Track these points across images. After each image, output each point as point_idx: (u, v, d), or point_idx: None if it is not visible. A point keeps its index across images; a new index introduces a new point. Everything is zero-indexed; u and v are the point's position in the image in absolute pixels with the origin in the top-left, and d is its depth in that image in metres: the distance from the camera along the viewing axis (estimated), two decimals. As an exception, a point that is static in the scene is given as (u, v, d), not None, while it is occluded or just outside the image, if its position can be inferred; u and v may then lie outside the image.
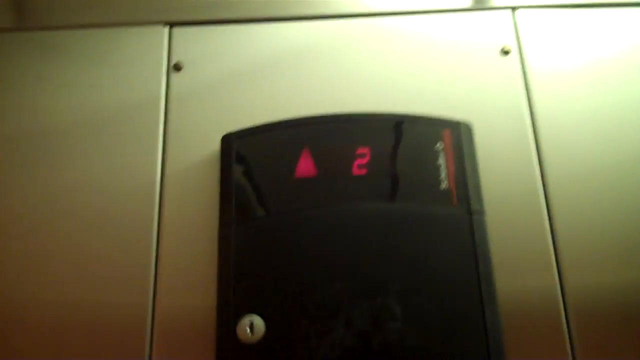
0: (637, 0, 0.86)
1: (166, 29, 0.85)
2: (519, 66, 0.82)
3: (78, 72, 0.83)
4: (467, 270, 0.68)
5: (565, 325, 0.69)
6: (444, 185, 0.72)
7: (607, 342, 0.69)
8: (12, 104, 0.81)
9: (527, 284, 0.71)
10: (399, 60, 0.83)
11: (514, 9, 0.86)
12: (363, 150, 0.74)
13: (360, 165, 0.73)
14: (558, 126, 0.78)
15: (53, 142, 0.79)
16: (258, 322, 0.66)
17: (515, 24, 0.85)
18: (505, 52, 0.83)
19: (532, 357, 0.68)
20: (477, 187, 0.73)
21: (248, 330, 0.66)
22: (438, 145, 0.74)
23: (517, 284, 0.71)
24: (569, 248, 0.73)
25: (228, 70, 0.83)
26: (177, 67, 0.82)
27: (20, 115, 0.81)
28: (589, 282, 0.71)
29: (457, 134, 0.75)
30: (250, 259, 0.69)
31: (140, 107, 0.80)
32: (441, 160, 0.73)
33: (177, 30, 0.85)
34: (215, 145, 0.77)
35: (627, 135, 0.78)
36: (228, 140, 0.76)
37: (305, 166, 0.73)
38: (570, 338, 0.69)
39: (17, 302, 0.72)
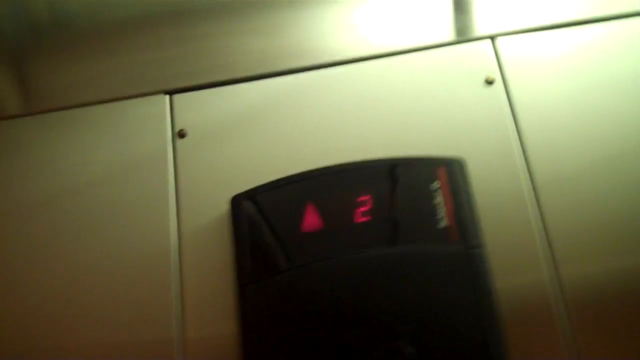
0: (616, 13, 0.87)
1: (167, 98, 0.88)
2: (504, 94, 0.84)
3: (86, 148, 0.86)
4: (471, 304, 0.70)
5: (565, 319, 0.72)
6: (443, 223, 0.74)
7: (608, 331, 0.71)
8: (27, 184, 0.85)
9: (523, 280, 0.74)
10: (385, 103, 0.85)
11: (493, 38, 0.87)
12: (364, 197, 0.76)
13: (363, 212, 0.76)
14: (545, 143, 0.80)
15: (69, 216, 0.83)
16: (281, 376, 0.69)
17: (496, 52, 0.87)
18: (490, 82, 0.84)
19: (534, 355, 0.71)
20: (475, 222, 0.75)
21: (269, 386, 0.69)
22: (434, 184, 0.76)
23: (513, 282, 0.73)
24: (562, 243, 0.75)
25: (230, 131, 0.85)
26: (182, 135, 0.85)
27: (34, 194, 0.84)
28: (585, 272, 0.73)
29: (451, 171, 0.77)
30: (268, 316, 0.72)
31: (150, 176, 0.84)
32: (438, 199, 0.75)
33: (177, 98, 0.88)
34: (223, 207, 0.80)
35: (613, 147, 0.79)
36: (237, 202, 0.79)
37: (310, 220, 0.76)
38: (572, 331, 0.71)
39: (55, 348, 0.76)
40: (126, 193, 0.83)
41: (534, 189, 0.78)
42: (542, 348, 0.71)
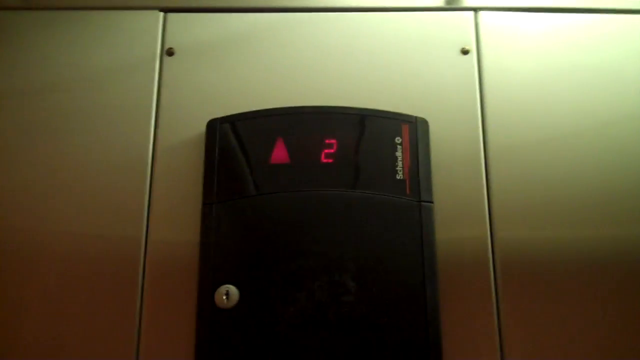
0: (595, 6, 0.91)
1: (161, 15, 0.89)
2: (475, 66, 0.88)
3: (78, 49, 0.88)
4: (413, 252, 0.76)
5: (492, 274, 0.78)
6: (399, 175, 0.79)
7: (529, 291, 0.78)
8: (18, 75, 0.87)
9: (462, 234, 0.80)
10: (363, 55, 0.88)
11: (476, 10, 0.91)
12: (331, 140, 0.81)
13: (327, 154, 0.80)
14: (506, 121, 0.85)
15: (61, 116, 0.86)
16: (233, 290, 0.74)
17: (476, 25, 0.90)
18: (465, 52, 0.88)
19: (462, 301, 0.77)
20: (428, 179, 0.80)
21: (224, 297, 0.74)
22: (397, 139, 0.81)
23: (453, 235, 0.80)
24: (502, 205, 0.81)
25: (217, 57, 0.88)
26: (170, 53, 0.87)
27: (26, 84, 0.86)
28: (518, 236, 0.80)
29: (414, 130, 0.82)
30: (229, 235, 0.77)
31: (135, 87, 0.86)
32: (399, 153, 0.80)
33: (171, 16, 0.89)
34: (201, 128, 0.83)
35: (565, 129, 0.85)
36: (213, 125, 0.82)
37: (279, 153, 0.80)
38: (495, 285, 0.78)
39: (31, 231, 0.81)
40: (111, 98, 0.86)
41: (487, 155, 0.83)
42: (470, 298, 0.78)
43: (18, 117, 0.85)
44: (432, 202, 0.79)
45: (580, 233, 0.80)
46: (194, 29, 0.89)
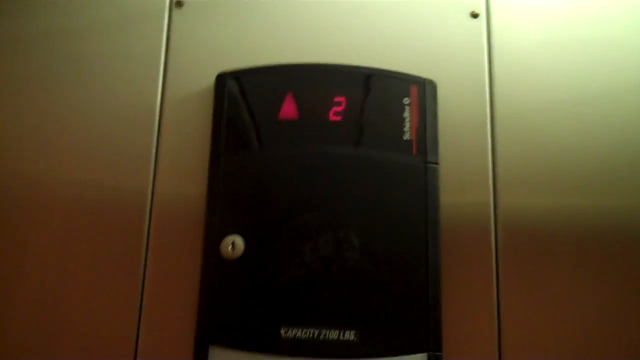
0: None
1: (170, -36, 0.88)
2: (485, 30, 0.87)
3: (85, 1, 0.87)
4: (417, 212, 0.77)
5: (493, 239, 0.78)
6: (406, 136, 0.79)
7: (529, 257, 0.78)
8: (26, 20, 0.85)
9: (466, 198, 0.80)
10: (375, 14, 0.87)
11: (487, -27, 0.90)
12: (340, 98, 0.80)
13: (336, 112, 0.80)
14: (513, 86, 0.84)
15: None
16: (239, 241, 0.74)
17: (487, -12, 0.89)
18: (474, 16, 0.87)
19: (462, 264, 0.77)
20: (435, 140, 0.80)
21: (230, 248, 0.74)
22: (405, 99, 0.81)
23: (456, 198, 0.79)
24: (507, 170, 0.81)
25: (226, 10, 0.86)
26: (179, 4, 0.86)
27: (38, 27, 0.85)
28: (521, 202, 0.80)
29: (422, 91, 0.81)
30: (236, 187, 0.77)
31: (144, 36, 0.85)
32: (406, 114, 0.80)
33: (180, -34, 0.88)
34: (210, 81, 0.82)
35: (573, 98, 0.84)
36: (222, 79, 0.81)
37: (288, 109, 0.79)
38: (496, 250, 0.78)
39: (36, 177, 0.80)
40: (119, 47, 0.84)
41: (493, 119, 0.83)
42: (470, 261, 0.78)
43: (25, 63, 0.84)
44: (437, 164, 0.79)
45: (584, 202, 0.80)
46: (205, -20, 0.88)
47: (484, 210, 0.80)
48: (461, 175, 0.81)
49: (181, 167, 0.80)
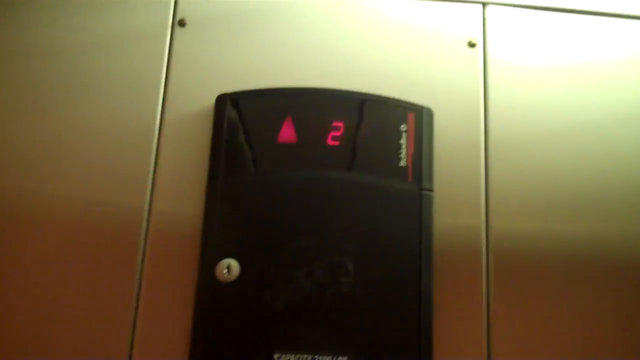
0: (602, 10, 0.91)
1: (174, -17, 0.88)
2: (481, 59, 0.88)
3: (90, 12, 0.86)
4: (411, 238, 0.77)
5: (484, 263, 0.79)
6: (402, 162, 0.79)
7: (520, 281, 0.79)
8: (31, 36, 0.85)
9: (458, 222, 0.80)
10: (374, 41, 0.87)
11: (484, 4, 0.90)
12: (338, 123, 0.80)
13: (334, 137, 0.80)
14: (508, 114, 0.85)
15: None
16: (234, 264, 0.74)
17: (484, 18, 0.90)
18: (472, 45, 0.88)
19: (453, 286, 0.77)
20: (430, 167, 0.80)
21: (225, 271, 0.74)
22: (402, 126, 0.81)
23: (449, 222, 0.80)
24: (500, 196, 0.82)
25: (228, 31, 0.86)
26: (182, 23, 0.86)
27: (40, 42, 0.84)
28: (513, 227, 0.80)
29: (420, 118, 0.82)
30: (232, 210, 0.77)
31: (145, 55, 0.84)
32: (403, 140, 0.80)
33: (184, -15, 0.88)
34: (209, 101, 0.82)
35: (566, 127, 0.85)
36: (222, 101, 0.81)
37: (287, 132, 0.79)
38: (487, 274, 0.78)
39: (33, 193, 0.79)
40: (120, 65, 0.84)
41: (487, 146, 0.83)
42: (461, 284, 0.78)
43: (26, 78, 0.83)
44: (432, 191, 0.80)
45: (575, 228, 0.81)
46: (207, 1, 0.87)
47: (476, 234, 0.80)
48: (455, 200, 0.81)
49: (178, 187, 0.80)
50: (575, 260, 0.80)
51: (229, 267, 0.74)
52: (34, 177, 0.80)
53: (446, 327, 0.76)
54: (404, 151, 0.80)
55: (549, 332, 0.77)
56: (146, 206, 0.79)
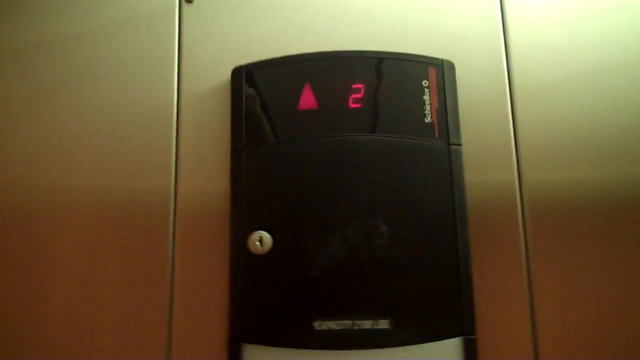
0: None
1: (177, -39, 0.85)
2: (499, 7, 0.84)
3: (95, 4, 0.84)
4: (443, 195, 0.74)
5: (520, 217, 0.76)
6: (428, 119, 0.77)
7: (557, 232, 0.75)
8: (37, 25, 0.83)
9: (490, 177, 0.77)
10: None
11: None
12: (358, 85, 0.78)
13: (355, 99, 0.77)
14: (531, 60, 0.81)
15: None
16: (266, 237, 0.72)
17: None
18: (488, -8, 0.85)
19: (491, 243, 0.75)
20: (457, 122, 0.78)
21: (258, 243, 0.72)
22: (424, 82, 0.78)
23: (481, 178, 0.77)
24: (530, 147, 0.78)
25: (237, 3, 0.84)
26: (189, 0, 0.83)
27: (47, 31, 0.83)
28: (546, 178, 0.77)
29: (441, 73, 0.79)
30: (259, 182, 0.75)
31: (155, 35, 0.83)
32: (426, 97, 0.77)
33: (187, -37, 0.85)
34: (225, 76, 0.80)
35: (593, 67, 0.81)
36: (238, 73, 0.79)
37: (307, 99, 0.77)
38: (524, 228, 0.76)
39: (57, 187, 0.79)
40: (131, 48, 0.82)
41: (512, 96, 0.80)
42: (499, 240, 0.75)
43: (38, 70, 0.82)
44: (460, 145, 0.77)
45: (607, 173, 0.77)
46: (213, -25, 0.85)
47: (510, 188, 0.77)
48: (484, 155, 0.78)
49: (202, 164, 0.78)
50: (613, 205, 0.76)
51: (261, 239, 0.72)
52: (56, 171, 0.79)
53: (486, 285, 0.74)
54: (428, 107, 0.77)
55: (590, 282, 0.74)
56: (172, 187, 0.78)
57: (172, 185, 0.78)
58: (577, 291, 0.74)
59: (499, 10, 0.84)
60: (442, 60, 0.80)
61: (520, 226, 0.76)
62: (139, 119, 0.80)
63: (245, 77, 0.78)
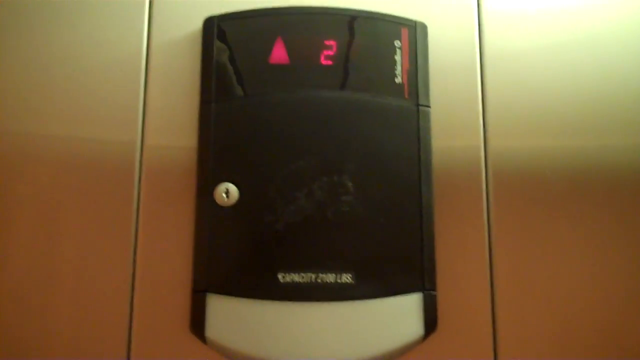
0: None
1: None
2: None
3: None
4: (410, 155, 0.74)
5: (484, 184, 0.76)
6: (398, 79, 0.76)
7: (521, 201, 0.76)
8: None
9: (456, 142, 0.78)
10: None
11: None
12: (330, 42, 0.76)
13: (327, 56, 0.76)
14: (503, 24, 0.81)
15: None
16: (233, 189, 0.72)
17: None
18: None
19: (454, 209, 0.75)
20: (426, 83, 0.77)
21: (224, 195, 0.71)
22: (396, 42, 0.77)
23: (448, 142, 0.77)
24: (497, 113, 0.78)
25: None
26: (161, -55, 0.81)
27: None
28: (511, 145, 0.78)
29: (413, 34, 0.78)
30: (228, 134, 0.74)
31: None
32: (398, 57, 0.77)
33: None
34: (196, 25, 0.78)
35: (565, 37, 0.82)
36: (210, 23, 0.77)
37: (278, 53, 0.76)
38: (487, 195, 0.76)
39: (18, 134, 0.75)
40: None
41: (482, 61, 0.80)
42: (462, 204, 0.76)
43: (1, 13, 0.78)
44: (429, 107, 0.77)
45: (573, 143, 0.78)
46: None
47: (475, 153, 0.77)
48: (452, 118, 0.78)
49: (170, 115, 0.76)
50: (576, 176, 0.77)
51: (228, 191, 0.71)
52: (18, 118, 0.75)
53: (448, 245, 0.74)
54: (399, 68, 0.76)
55: (551, 251, 0.75)
56: (138, 140, 0.76)
57: (139, 138, 0.76)
58: (534, 252, 0.75)
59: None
60: (416, 22, 0.79)
61: (484, 190, 0.76)
62: (106, 67, 0.77)
63: (217, 27, 0.77)
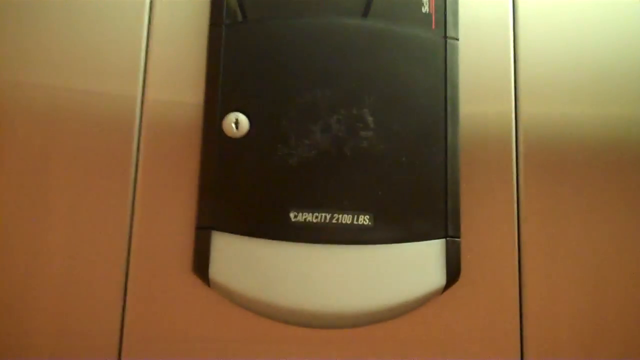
0: None
1: None
2: None
3: None
4: (436, 90, 0.68)
5: (514, 152, 0.70)
6: (425, 9, 0.69)
7: (551, 166, 0.70)
8: None
9: (486, 109, 0.71)
10: None
11: None
12: (352, -35, 0.69)
13: (348, -20, 0.69)
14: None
15: None
16: (243, 119, 0.65)
17: None
18: None
19: (482, 174, 0.70)
20: (455, 14, 0.70)
21: (233, 126, 0.65)
22: (424, -32, 0.70)
23: (476, 109, 0.71)
24: (529, 79, 0.72)
25: None
26: None
27: None
28: (542, 111, 0.71)
29: (442, -40, 0.71)
30: (238, 61, 0.66)
31: None
32: (425, -15, 0.70)
33: None
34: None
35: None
36: (220, -58, 0.70)
37: (295, -25, 0.69)
38: (517, 162, 0.70)
39: (11, 83, 0.68)
40: None
41: (516, 21, 0.73)
42: (492, 174, 0.70)
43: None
44: (457, 39, 0.70)
45: (607, 111, 0.71)
46: None
47: (506, 97, 0.71)
48: (482, 53, 0.71)
49: (177, 37, 0.69)
50: (608, 146, 0.71)
51: (237, 121, 0.64)
52: (14, 67, 0.68)
53: (474, 194, 0.68)
54: (425, -4, 0.70)
55: (581, 210, 0.69)
56: (139, 93, 0.68)
57: (140, 91, 0.68)
58: (564, 208, 0.69)
59: None
60: (445, -52, 0.72)
61: (513, 140, 0.70)
62: (106, 10, 0.70)
63: (229, -54, 0.69)
